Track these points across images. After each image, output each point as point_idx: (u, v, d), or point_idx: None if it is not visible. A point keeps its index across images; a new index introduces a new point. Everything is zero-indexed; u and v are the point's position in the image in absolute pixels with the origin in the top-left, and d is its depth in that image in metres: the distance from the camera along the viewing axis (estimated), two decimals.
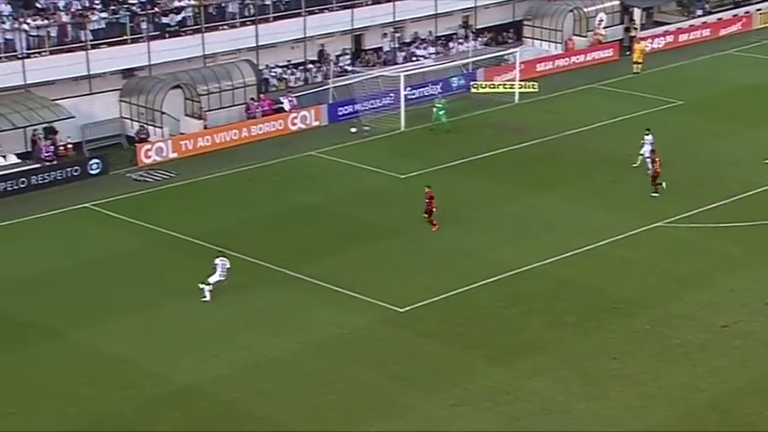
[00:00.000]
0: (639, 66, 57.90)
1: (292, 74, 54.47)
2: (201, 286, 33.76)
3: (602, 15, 62.30)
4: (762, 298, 33.74)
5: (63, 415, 27.74)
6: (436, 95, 51.92)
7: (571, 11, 61.10)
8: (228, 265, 34.09)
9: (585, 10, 61.64)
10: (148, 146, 46.61)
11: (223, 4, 51.68)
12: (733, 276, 35.26)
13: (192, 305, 33.64)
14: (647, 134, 44.27)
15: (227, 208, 41.34)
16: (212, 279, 33.97)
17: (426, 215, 38.82)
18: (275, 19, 53.09)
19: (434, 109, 49.93)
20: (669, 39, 63.66)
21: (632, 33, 62.71)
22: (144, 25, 49.11)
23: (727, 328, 32.06)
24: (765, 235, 38.30)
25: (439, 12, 58.91)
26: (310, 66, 55.13)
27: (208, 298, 33.81)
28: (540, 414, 27.84)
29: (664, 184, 41.56)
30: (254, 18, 52.30)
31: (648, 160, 42.76)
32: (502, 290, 34.53)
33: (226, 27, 51.80)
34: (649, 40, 62.07)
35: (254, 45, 52.52)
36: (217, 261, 34.13)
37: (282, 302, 33.88)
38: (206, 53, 50.99)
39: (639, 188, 42.84)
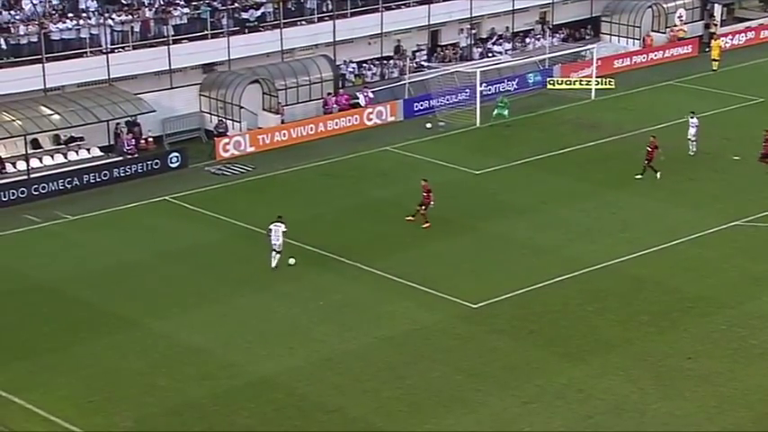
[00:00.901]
0: (717, 63, 56.91)
1: (369, 69, 54.59)
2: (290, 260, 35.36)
3: (681, 11, 61.33)
4: None
5: (141, 404, 28.19)
6: (500, 95, 51.40)
7: (650, 6, 60.25)
8: (283, 230, 35.32)
9: (665, 6, 60.74)
10: (227, 140, 47.10)
11: (302, 0, 51.95)
12: None
13: (268, 297, 33.95)
14: (692, 117, 44.73)
15: (303, 202, 41.59)
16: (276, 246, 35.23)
17: (421, 207, 38.49)
18: (352, 14, 53.24)
19: (497, 108, 49.37)
20: (750, 35, 62.42)
21: (712, 30, 61.63)
22: (224, 21, 49.62)
23: None
24: None
25: (516, 8, 58.50)
26: (387, 61, 55.19)
27: (292, 262, 35.41)
28: (612, 413, 27.55)
29: (658, 174, 41.60)
30: (331, 14, 52.50)
31: (694, 142, 43.80)
32: (576, 287, 34.23)
33: (304, 22, 52.09)
34: (729, 37, 60.96)
35: (332, 40, 52.74)
36: (272, 227, 35.31)
37: (356, 297, 34.00)
38: (284, 48, 51.33)
39: (717, 186, 42.17)
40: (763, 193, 41.09)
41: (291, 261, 35.69)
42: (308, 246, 37.31)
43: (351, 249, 37.00)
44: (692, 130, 44.98)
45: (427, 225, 38.56)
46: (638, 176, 41.94)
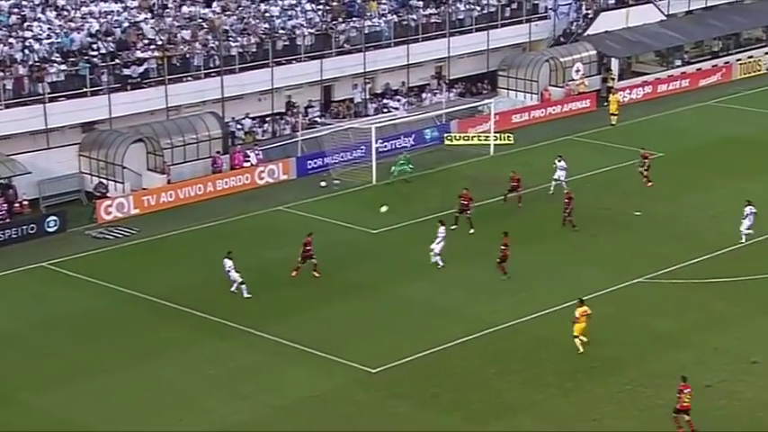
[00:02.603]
0: (616, 117, 58.81)
1: (259, 126, 54.89)
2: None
3: (579, 65, 63.30)
4: (747, 356, 34.10)
5: None
6: (402, 151, 52.43)
7: (547, 61, 62.06)
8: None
9: (562, 60, 62.64)
10: (109, 202, 46.72)
11: (187, 56, 52.15)
12: (717, 334, 35.63)
13: (154, 367, 33.63)
14: (560, 161, 47.84)
15: (192, 265, 41.42)
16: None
17: (301, 262, 39.21)
18: (241, 70, 53.58)
19: (397, 165, 50.30)
20: (648, 89, 64.71)
21: (609, 84, 63.73)
22: (105, 77, 49.43)
23: (712, 387, 32.31)
24: (749, 290, 38.78)
25: (411, 62, 59.65)
26: (278, 117, 55.58)
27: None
28: None
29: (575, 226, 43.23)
30: (218, 69, 52.78)
31: (564, 184, 46.22)
32: (478, 349, 34.73)
33: (190, 78, 52.20)
34: (627, 91, 63.07)
35: (220, 97, 52.95)
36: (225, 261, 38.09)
37: (250, 363, 33.90)
38: (169, 105, 51.33)
39: (619, 242, 43.37)
40: (664, 249, 42.40)
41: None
42: (198, 311, 37.15)
43: (243, 314, 36.95)
44: (560, 173, 47.54)
45: (295, 274, 39.16)
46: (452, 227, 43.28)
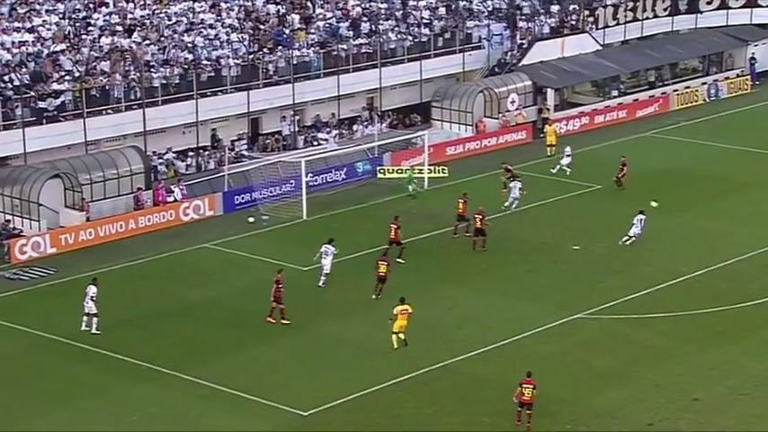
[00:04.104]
0: (553, 148, 59.53)
1: (183, 160, 54.57)
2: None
3: (514, 96, 63.97)
4: (688, 393, 34.50)
5: None
6: (407, 168, 54.48)
7: (481, 91, 62.63)
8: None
9: (496, 90, 63.26)
10: (23, 241, 46.06)
11: (107, 87, 51.77)
12: (658, 370, 36.01)
13: (69, 415, 33.11)
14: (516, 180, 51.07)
15: (112, 306, 40.83)
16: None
17: (275, 302, 39.07)
18: (164, 102, 53.36)
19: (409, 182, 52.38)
20: (584, 120, 65.56)
21: (545, 115, 64.46)
22: (18, 110, 48.85)
23: (653, 426, 32.62)
24: (689, 325, 39.28)
25: (341, 93, 59.84)
26: (203, 151, 55.33)
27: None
28: None
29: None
30: (140, 101, 52.47)
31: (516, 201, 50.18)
32: (413, 389, 34.71)
33: (110, 111, 51.86)
34: (564, 122, 63.84)
35: (141, 130, 52.62)
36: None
37: (174, 409, 33.54)
38: (88, 139, 50.91)
39: (558, 277, 43.72)
40: (603, 284, 42.84)
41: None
42: (118, 354, 36.69)
43: (167, 357, 36.58)
44: (515, 192, 50.54)
45: (271, 317, 39.01)
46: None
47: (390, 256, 43.60)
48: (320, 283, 42.16)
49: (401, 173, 54.93)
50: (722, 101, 70.94)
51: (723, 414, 33.25)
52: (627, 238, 46.11)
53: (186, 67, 54.51)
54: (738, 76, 73.88)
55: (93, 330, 38.20)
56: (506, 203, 50.70)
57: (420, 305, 40.14)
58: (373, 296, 40.63)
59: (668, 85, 71.26)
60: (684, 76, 73.06)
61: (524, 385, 32.24)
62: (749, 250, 45.55)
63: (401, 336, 36.84)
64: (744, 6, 74.81)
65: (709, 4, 74.79)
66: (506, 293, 42.12)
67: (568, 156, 56.24)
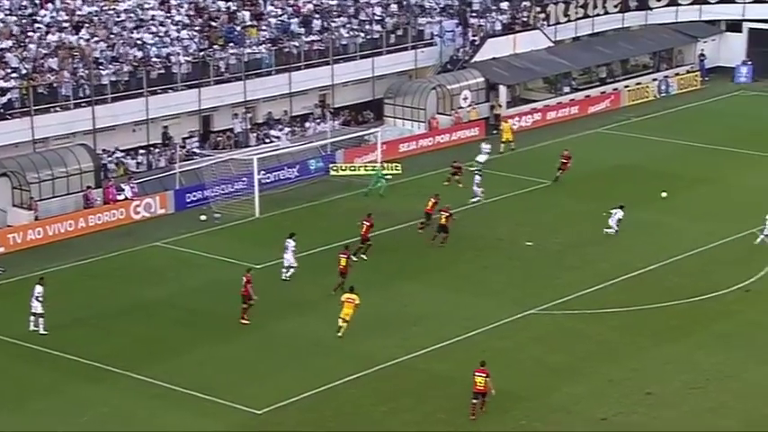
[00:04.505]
0: (512, 144, 59.85)
1: (133, 158, 54.21)
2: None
3: (466, 93, 64.19)
4: (642, 388, 34.80)
5: None
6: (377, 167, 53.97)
7: (434, 88, 62.77)
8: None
9: (449, 87, 63.44)
10: None
11: (54, 85, 51.29)
12: (611, 365, 36.30)
13: (23, 416, 32.80)
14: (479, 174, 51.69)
15: (63, 306, 40.52)
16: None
17: (245, 304, 39.06)
18: (114, 99, 52.95)
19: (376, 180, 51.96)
20: (537, 117, 65.95)
21: (497, 111, 64.76)
22: None
23: (607, 420, 32.89)
24: (643, 320, 39.65)
25: (293, 90, 59.72)
26: (154, 149, 54.99)
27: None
28: None
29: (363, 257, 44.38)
30: (89, 99, 52.04)
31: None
32: (368, 386, 34.75)
33: (58, 109, 51.35)
34: (516, 118, 64.16)
35: (91, 128, 52.19)
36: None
37: (126, 409, 33.34)
38: (36, 137, 50.39)
39: (511, 273, 43.95)
40: (556, 280, 43.13)
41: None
42: (69, 354, 36.40)
43: (118, 356, 36.36)
44: (477, 178, 51.35)
45: (245, 319, 39.01)
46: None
47: (351, 250, 43.54)
48: (283, 277, 42.58)
49: (369, 170, 54.75)
50: (672, 97, 71.68)
51: (676, 408, 33.60)
52: (610, 230, 46.96)
53: (136, 64, 54.12)
54: (688, 72, 74.69)
55: (41, 331, 37.84)
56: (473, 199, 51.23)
57: (375, 302, 40.25)
58: (332, 291, 40.57)
59: (619, 81, 71.86)
60: (635, 72, 73.72)
61: (477, 374, 32.69)
62: (700, 245, 46.07)
63: (345, 322, 37.42)
64: (693, 3, 75.69)
65: (658, 0, 75.54)
66: (461, 290, 42.27)
67: (486, 153, 56.13)
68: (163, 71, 54.93)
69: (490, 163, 56.55)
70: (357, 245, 44.46)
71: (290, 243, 42.80)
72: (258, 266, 43.85)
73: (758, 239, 45.98)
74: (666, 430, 32.44)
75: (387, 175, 53.56)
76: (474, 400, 32.59)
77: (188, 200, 51.65)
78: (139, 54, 54.79)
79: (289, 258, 42.72)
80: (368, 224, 44.97)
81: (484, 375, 32.67)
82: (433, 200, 47.85)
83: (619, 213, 47.15)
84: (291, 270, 42.74)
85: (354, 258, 43.66)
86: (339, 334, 37.53)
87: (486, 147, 56.67)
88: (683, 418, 32.99)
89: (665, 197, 50.09)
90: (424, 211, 47.77)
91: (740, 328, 38.91)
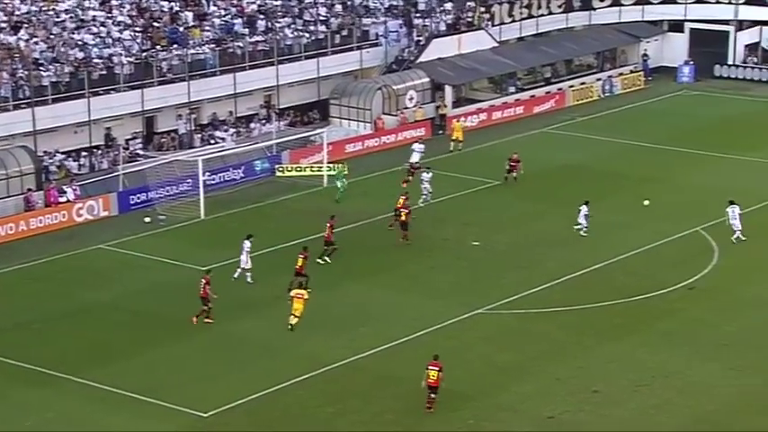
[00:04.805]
0: (461, 143, 60.14)
1: (75, 160, 53.68)
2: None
3: (412, 93, 64.34)
4: (588, 386, 35.06)
5: None
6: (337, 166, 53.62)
7: (379, 89, 62.85)
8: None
9: (395, 87, 63.55)
10: None
11: None
12: (558, 364, 36.55)
13: None
14: (427, 172, 51.89)
15: (4, 310, 40.22)
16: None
17: (205, 307, 39.01)
18: (55, 101, 52.43)
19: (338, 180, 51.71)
20: (482, 117, 66.25)
21: (442, 111, 64.98)
22: None
23: (554, 419, 33.11)
24: (590, 319, 39.96)
25: (238, 91, 59.48)
26: (97, 151, 54.51)
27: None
28: None
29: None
30: (29, 100, 51.47)
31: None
32: (316, 388, 34.71)
33: None
34: (462, 118, 64.41)
35: (31, 129, 51.63)
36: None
37: (70, 413, 33.04)
38: None
39: (458, 273, 44.10)
40: (504, 279, 43.35)
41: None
42: (10, 359, 36.00)
43: (63, 360, 36.05)
44: (425, 185, 51.13)
45: (206, 319, 39.02)
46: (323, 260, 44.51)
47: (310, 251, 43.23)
48: (235, 276, 42.43)
49: (331, 170, 54.61)
50: (616, 96, 72.36)
51: (622, 406, 33.89)
52: (579, 226, 47.34)
53: (77, 65, 53.64)
54: (632, 71, 75.43)
55: None
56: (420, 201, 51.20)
57: (323, 303, 40.20)
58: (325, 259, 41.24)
59: (564, 81, 72.41)
60: (579, 72, 74.36)
61: (430, 368, 33.04)
62: (645, 244, 46.53)
63: (293, 320, 38.05)
64: (636, 3, 76.45)
65: (601, 1, 76.23)
66: (409, 290, 42.34)
67: (419, 152, 56.17)
68: (105, 72, 54.52)
69: (438, 164, 56.74)
70: (329, 248, 44.40)
71: (246, 244, 42.61)
72: (203, 268, 43.57)
73: (734, 236, 46.53)
74: (613, 428, 32.68)
75: (336, 174, 53.08)
76: (432, 395, 32.93)
77: (132, 202, 51.26)
78: (80, 55, 54.31)
79: (243, 259, 42.49)
80: (329, 226, 44.61)
81: (437, 369, 32.97)
82: (403, 198, 47.87)
83: (584, 209, 47.44)
84: (240, 271, 42.50)
85: (326, 260, 43.73)
86: (290, 327, 37.95)
87: (418, 146, 56.74)
88: (629, 416, 33.29)
89: (647, 205, 49.89)
90: (394, 209, 47.77)
91: (684, 326, 39.35)
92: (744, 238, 46.43)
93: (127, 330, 38.67)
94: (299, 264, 41.42)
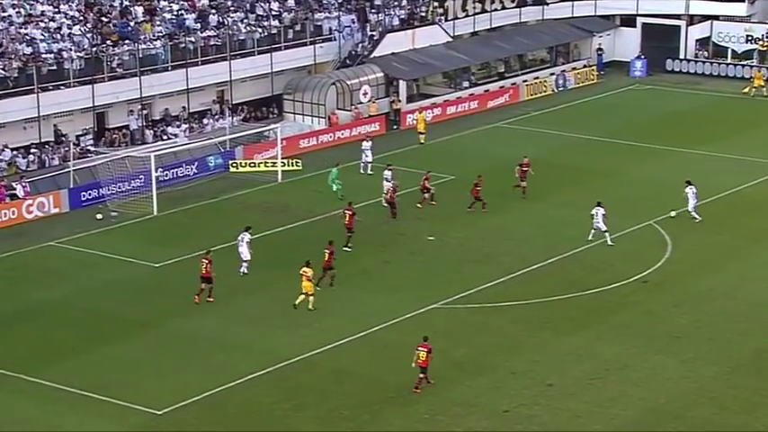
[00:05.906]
0: (422, 136, 60.37)
1: (24, 157, 53.21)
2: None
3: (366, 88, 64.38)
4: (543, 379, 35.31)
5: None
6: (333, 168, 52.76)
7: (333, 84, 62.82)
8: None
9: (349, 82, 63.55)
10: None
11: None
12: (513, 358, 36.76)
13: None
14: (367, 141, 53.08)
15: None
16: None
17: (210, 285, 39.69)
18: (2, 97, 51.94)
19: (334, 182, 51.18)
20: (437, 111, 66.42)
21: (396, 106, 65.09)
22: None
23: (509, 412, 33.32)
24: (544, 313, 40.22)
25: (191, 86, 59.20)
26: (46, 147, 54.06)
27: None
28: None
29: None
30: None
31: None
32: (271, 384, 34.69)
33: None
34: (416, 113, 64.53)
35: None
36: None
37: (20, 413, 32.81)
38: None
39: (413, 268, 44.22)
40: (459, 274, 43.51)
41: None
42: None
43: (12, 360, 35.78)
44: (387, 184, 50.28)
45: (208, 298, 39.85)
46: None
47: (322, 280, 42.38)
48: (241, 270, 42.35)
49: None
50: (570, 91, 72.83)
51: (577, 398, 34.17)
52: (593, 232, 46.37)
53: (25, 60, 53.15)
54: (585, 66, 75.97)
55: None
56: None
57: (278, 299, 40.18)
58: (317, 287, 40.52)
59: (518, 75, 72.76)
60: (533, 66, 74.76)
61: (419, 348, 34.07)
62: (601, 237, 46.84)
63: (305, 295, 39.34)
64: None
65: None
66: (363, 286, 42.40)
67: (368, 149, 55.74)
68: (54, 67, 54.07)
69: (393, 159, 56.76)
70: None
71: (246, 236, 42.52)
72: (156, 265, 43.46)
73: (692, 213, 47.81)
74: (568, 421, 32.94)
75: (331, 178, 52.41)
76: (421, 375, 33.77)
77: (83, 198, 50.93)
78: (29, 50, 53.81)
79: (243, 251, 42.32)
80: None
81: (425, 350, 33.76)
82: (392, 189, 48.75)
83: (600, 210, 46.27)
84: (246, 264, 42.45)
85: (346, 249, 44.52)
86: (310, 307, 39.27)
87: (366, 144, 56.45)
88: (584, 409, 33.54)
89: (674, 216, 48.80)
90: (385, 200, 48.75)
91: (638, 319, 39.73)
92: (698, 218, 47.30)
93: (79, 328, 38.44)
94: (326, 258, 41.49)
